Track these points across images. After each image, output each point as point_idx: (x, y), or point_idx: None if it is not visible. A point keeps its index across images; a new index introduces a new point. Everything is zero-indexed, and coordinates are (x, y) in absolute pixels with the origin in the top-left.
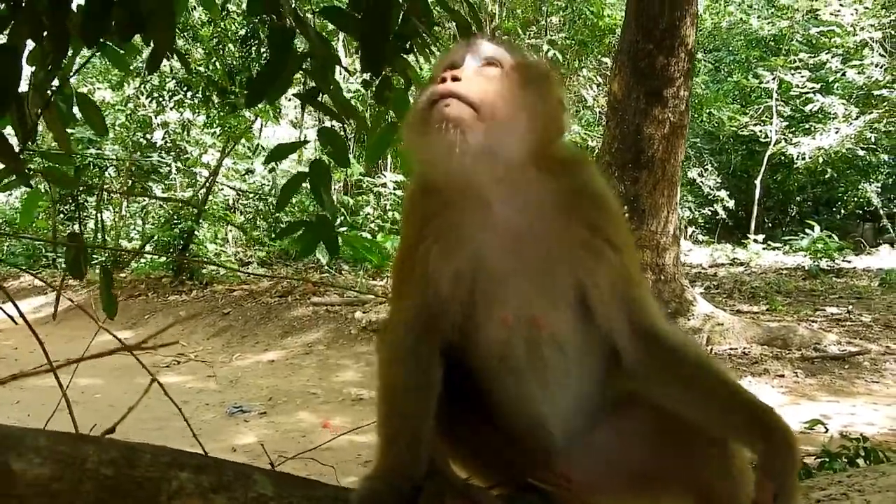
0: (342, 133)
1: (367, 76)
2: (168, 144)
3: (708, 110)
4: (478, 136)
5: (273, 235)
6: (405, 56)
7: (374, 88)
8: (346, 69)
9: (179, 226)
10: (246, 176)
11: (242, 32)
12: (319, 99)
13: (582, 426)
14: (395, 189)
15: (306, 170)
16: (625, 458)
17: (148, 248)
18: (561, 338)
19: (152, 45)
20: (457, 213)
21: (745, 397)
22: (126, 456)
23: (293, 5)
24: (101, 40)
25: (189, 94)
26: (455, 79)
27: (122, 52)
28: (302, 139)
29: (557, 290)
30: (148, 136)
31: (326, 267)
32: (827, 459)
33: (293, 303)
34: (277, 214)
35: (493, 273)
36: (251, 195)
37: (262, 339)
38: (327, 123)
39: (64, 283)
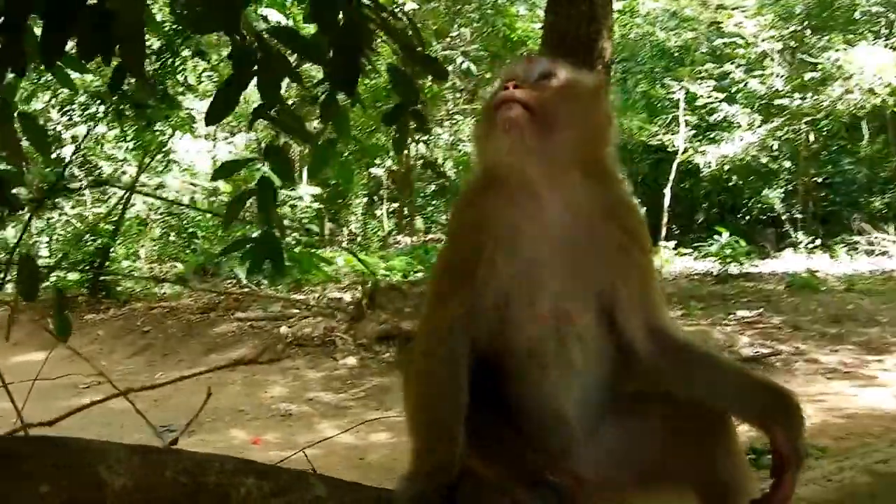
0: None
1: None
2: (79, 159)
3: (618, 120)
4: (532, 136)
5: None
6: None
7: (319, 104)
8: (303, 86)
9: (95, 243)
10: (158, 191)
11: (157, 45)
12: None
13: (596, 421)
14: (311, 202)
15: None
16: (635, 454)
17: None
18: (585, 334)
19: (116, 65)
20: (512, 212)
21: (757, 379)
22: (198, 465)
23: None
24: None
25: (102, 107)
26: (516, 87)
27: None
28: (215, 152)
29: (589, 287)
30: (58, 150)
31: (245, 282)
32: (755, 456)
33: (216, 319)
34: (191, 230)
35: (538, 270)
36: (162, 210)
37: (185, 356)
38: (241, 136)
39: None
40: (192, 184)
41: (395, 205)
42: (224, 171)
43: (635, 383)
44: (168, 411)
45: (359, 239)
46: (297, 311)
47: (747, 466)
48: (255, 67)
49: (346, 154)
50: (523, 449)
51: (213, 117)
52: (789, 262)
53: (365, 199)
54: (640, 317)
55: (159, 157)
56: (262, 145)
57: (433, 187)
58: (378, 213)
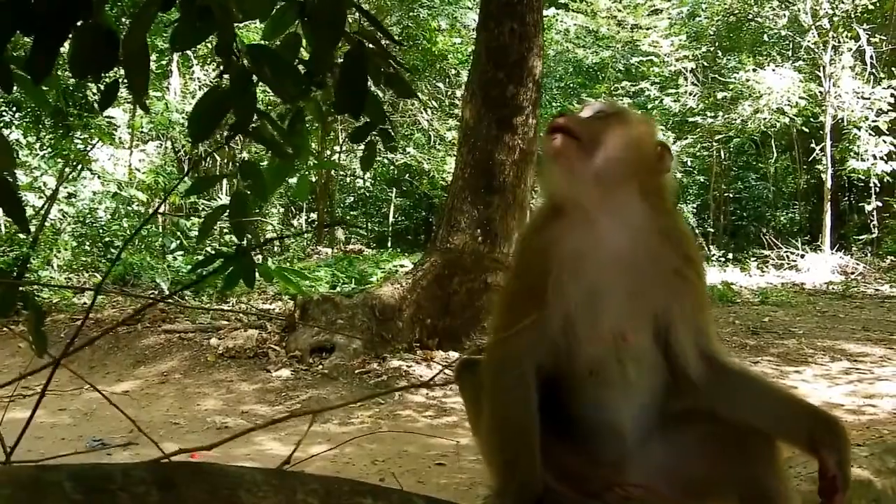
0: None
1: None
2: None
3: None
4: (581, 162)
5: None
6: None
7: (287, 122)
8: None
9: (13, 253)
10: (71, 199)
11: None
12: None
13: (648, 436)
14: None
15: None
16: (683, 468)
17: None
18: (641, 354)
19: (109, 83)
20: (573, 236)
21: (802, 403)
22: (323, 486)
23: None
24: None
25: (18, 115)
26: (563, 121)
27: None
28: (131, 161)
29: (646, 310)
30: None
31: (168, 293)
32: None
33: (143, 331)
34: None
35: (600, 292)
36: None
37: (112, 369)
38: (155, 144)
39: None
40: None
41: (314, 215)
42: (197, 187)
43: (685, 402)
44: (101, 424)
45: (276, 250)
46: (227, 322)
47: (790, 482)
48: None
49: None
50: (585, 464)
51: (199, 134)
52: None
53: (282, 210)
54: (692, 339)
55: (78, 165)
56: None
57: (352, 198)
58: (296, 223)
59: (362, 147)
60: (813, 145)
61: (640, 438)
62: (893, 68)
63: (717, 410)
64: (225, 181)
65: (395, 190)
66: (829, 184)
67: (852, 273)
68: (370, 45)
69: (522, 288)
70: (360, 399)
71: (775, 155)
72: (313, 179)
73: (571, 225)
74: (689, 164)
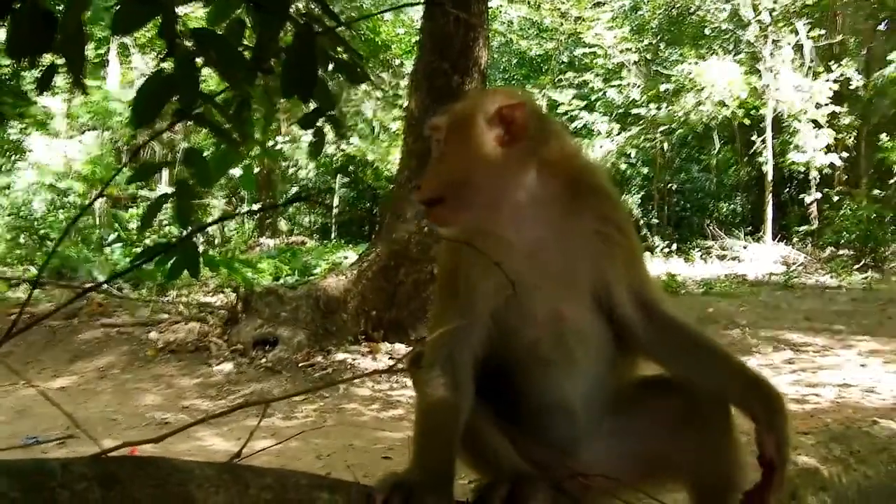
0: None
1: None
2: None
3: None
4: (460, 215)
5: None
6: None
7: (233, 108)
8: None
9: None
10: (4, 191)
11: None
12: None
13: (601, 414)
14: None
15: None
16: (638, 446)
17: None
18: (581, 327)
19: (49, 65)
20: (485, 241)
21: (741, 366)
22: (278, 481)
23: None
24: None
25: None
26: (418, 187)
27: None
28: (67, 152)
29: (577, 283)
30: None
31: (107, 286)
32: None
33: (80, 325)
34: (42, 232)
35: (523, 282)
36: (7, 211)
37: (48, 364)
38: (92, 134)
39: None
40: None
41: (257, 207)
42: (141, 174)
43: (634, 366)
44: (36, 422)
45: (217, 241)
46: (167, 316)
47: (745, 460)
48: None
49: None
50: (543, 449)
51: (143, 118)
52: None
53: (224, 200)
54: (630, 293)
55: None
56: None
57: (295, 188)
58: (238, 212)
59: (308, 136)
60: (754, 137)
61: (591, 418)
62: (831, 62)
63: (661, 364)
64: (166, 172)
65: (339, 180)
66: (770, 175)
67: (794, 263)
68: (318, 29)
69: (446, 290)
70: (309, 390)
71: (717, 147)
72: (257, 169)
73: (482, 236)
74: (632, 155)
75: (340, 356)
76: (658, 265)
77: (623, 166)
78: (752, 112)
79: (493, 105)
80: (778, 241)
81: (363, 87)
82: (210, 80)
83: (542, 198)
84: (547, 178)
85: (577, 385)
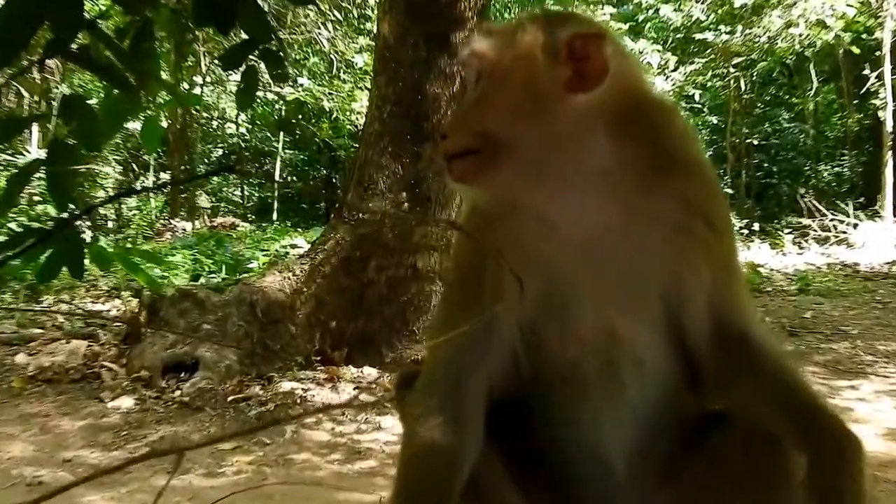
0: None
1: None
2: None
3: None
4: (495, 174)
5: None
6: None
7: (128, 40)
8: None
9: None
10: None
11: None
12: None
13: (648, 467)
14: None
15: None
16: None
17: None
18: (642, 352)
19: None
20: (518, 223)
21: (804, 399)
22: None
23: None
24: None
25: None
26: (444, 136)
27: None
28: None
29: (643, 291)
30: None
31: None
32: None
33: None
34: None
35: (566, 284)
36: None
37: None
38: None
39: None
40: None
41: (167, 176)
42: (7, 129)
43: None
44: None
45: (110, 224)
46: (41, 330)
47: None
48: None
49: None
50: (551, 498)
51: (3, 54)
52: None
53: (119, 168)
54: (708, 315)
55: None
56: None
57: (221, 151)
58: (139, 186)
59: (237, 77)
60: (867, 72)
61: (635, 475)
62: None
63: (728, 403)
64: (37, 129)
65: (282, 138)
66: (889, 125)
67: None
68: None
69: (460, 290)
70: (241, 433)
71: (815, 86)
72: (165, 124)
73: (515, 215)
74: (696, 98)
75: (286, 385)
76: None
77: (684, 114)
78: (865, 36)
79: (563, 32)
80: None
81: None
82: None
83: (611, 168)
84: (621, 141)
85: (623, 430)
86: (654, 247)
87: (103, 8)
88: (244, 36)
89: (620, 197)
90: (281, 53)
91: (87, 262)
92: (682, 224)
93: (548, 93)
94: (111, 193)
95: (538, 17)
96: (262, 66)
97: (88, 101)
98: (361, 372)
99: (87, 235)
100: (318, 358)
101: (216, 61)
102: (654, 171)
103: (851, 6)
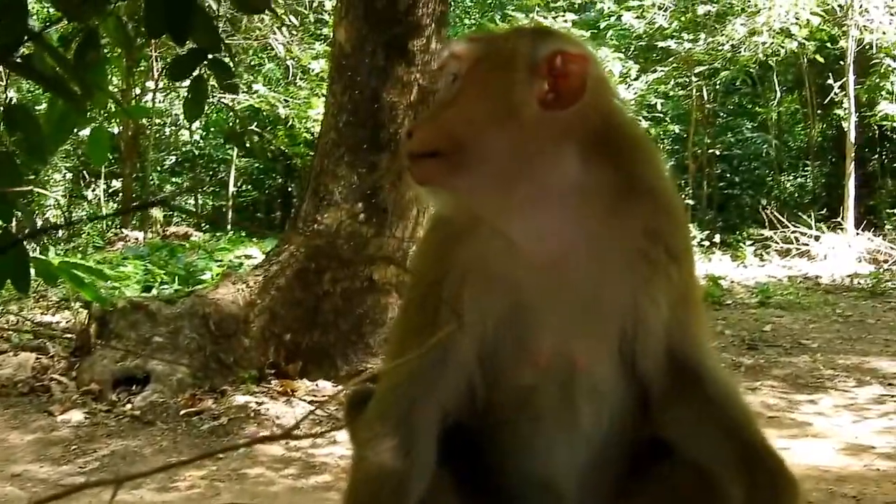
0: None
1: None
2: None
3: None
4: (457, 179)
5: None
6: None
7: (73, 49)
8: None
9: None
10: None
11: None
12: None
13: (598, 495)
14: None
15: None
16: None
17: None
18: (598, 379)
19: None
20: (482, 241)
21: (748, 436)
22: None
23: None
24: None
25: None
26: (409, 134)
27: None
28: None
29: (603, 317)
30: None
31: None
32: None
33: None
34: None
35: (527, 307)
36: None
37: None
38: None
39: None
40: None
41: (118, 183)
42: None
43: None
44: None
45: (61, 234)
46: None
47: None
48: None
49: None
50: None
51: None
52: None
53: (69, 175)
54: (664, 346)
55: None
56: None
57: (174, 158)
58: (91, 195)
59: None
60: (830, 81)
61: (584, 501)
62: None
63: (668, 436)
64: None
65: (236, 147)
66: (852, 136)
67: (885, 261)
68: None
69: (418, 309)
70: (189, 460)
71: (778, 96)
72: (115, 131)
73: (480, 232)
74: (658, 108)
75: (240, 399)
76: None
77: (645, 123)
78: (829, 45)
79: (545, 48)
80: (863, 230)
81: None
82: (40, 8)
83: (577, 190)
84: (589, 164)
85: (575, 457)
86: (615, 274)
87: (49, 15)
88: (192, 45)
89: (584, 220)
90: (230, 63)
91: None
92: (643, 252)
93: (522, 105)
94: (62, 204)
95: (525, 30)
96: (212, 75)
97: (34, 110)
98: (316, 385)
99: (34, 247)
100: (273, 371)
101: (168, 71)
102: (621, 197)
103: (816, 14)
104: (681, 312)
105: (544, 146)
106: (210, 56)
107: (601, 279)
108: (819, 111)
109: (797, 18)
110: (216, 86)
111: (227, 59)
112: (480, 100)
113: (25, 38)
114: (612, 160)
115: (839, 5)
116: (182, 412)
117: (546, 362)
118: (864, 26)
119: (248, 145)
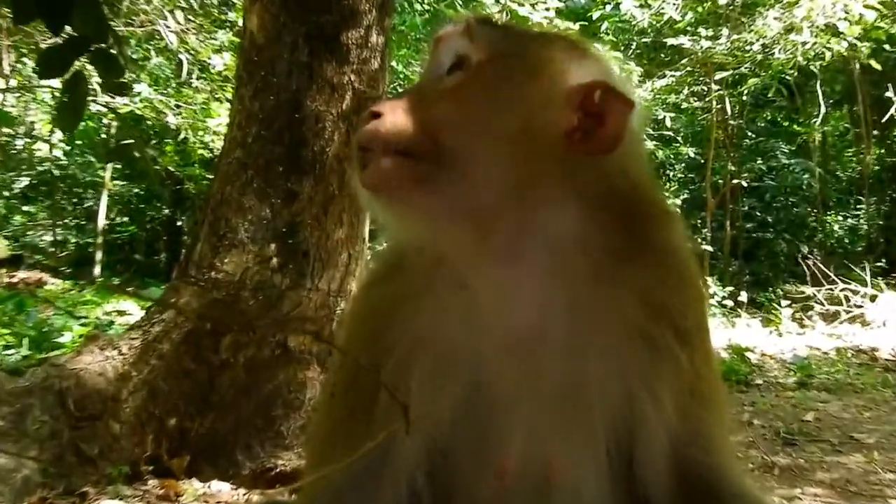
0: None
1: None
2: None
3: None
4: (428, 197)
5: None
6: None
7: None
8: None
9: None
10: None
11: None
12: None
13: None
14: None
15: None
16: None
17: None
18: (582, 494)
19: None
20: (438, 302)
21: None
22: None
23: None
24: None
25: None
26: (375, 115)
27: None
28: None
29: (588, 413)
30: None
31: None
32: None
33: None
34: None
35: (492, 397)
36: None
37: None
38: None
39: None
40: None
41: None
42: None
43: None
44: None
45: None
46: None
47: None
48: None
49: None
50: None
51: None
52: None
53: None
54: (669, 453)
55: None
56: None
57: (26, 180)
58: None
59: (58, 87)
60: (890, 94)
61: None
62: None
63: None
64: None
65: (111, 166)
66: None
67: None
68: None
69: (349, 403)
70: None
71: (822, 111)
72: None
73: (435, 286)
74: (668, 124)
75: None
76: (715, 331)
77: (649, 143)
78: (888, 48)
79: (585, 73)
80: None
81: None
82: None
83: (567, 246)
84: (590, 220)
85: None
86: (603, 357)
87: None
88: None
89: (570, 283)
90: (119, 55)
91: None
92: (642, 330)
93: (541, 130)
94: None
95: (565, 39)
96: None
97: None
98: (209, 488)
99: None
100: (151, 468)
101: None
102: (618, 258)
103: (871, 8)
104: (692, 409)
105: (549, 187)
106: (93, 47)
107: (587, 364)
108: (875, 132)
109: (847, 12)
110: (100, 84)
111: (114, 51)
112: (490, 103)
113: None
114: (621, 222)
115: None
116: None
117: (514, 470)
118: None
119: (126, 161)
